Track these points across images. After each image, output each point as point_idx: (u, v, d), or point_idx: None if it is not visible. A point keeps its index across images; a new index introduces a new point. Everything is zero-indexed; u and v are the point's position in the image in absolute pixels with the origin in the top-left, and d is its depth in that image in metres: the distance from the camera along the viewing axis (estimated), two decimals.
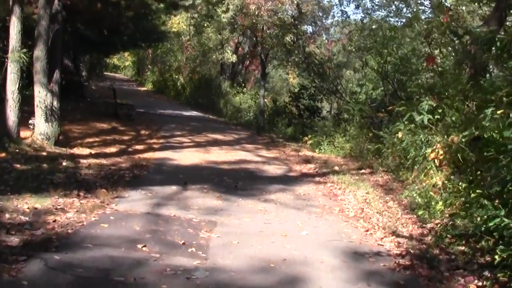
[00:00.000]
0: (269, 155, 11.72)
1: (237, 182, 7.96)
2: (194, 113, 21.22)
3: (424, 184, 7.98)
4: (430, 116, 7.21)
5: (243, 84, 28.77)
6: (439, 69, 9.26)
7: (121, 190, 6.57)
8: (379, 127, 13.95)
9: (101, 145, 10.09)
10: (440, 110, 7.45)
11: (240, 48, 28.25)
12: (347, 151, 12.37)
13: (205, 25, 26.21)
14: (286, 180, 8.76)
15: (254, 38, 20.29)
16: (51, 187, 6.18)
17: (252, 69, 31.96)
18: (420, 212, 6.40)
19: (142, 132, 12.95)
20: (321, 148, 13.09)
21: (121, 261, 4.06)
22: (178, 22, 29.07)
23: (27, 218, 4.88)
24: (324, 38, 23.18)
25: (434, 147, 7.42)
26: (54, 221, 4.92)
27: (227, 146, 12.33)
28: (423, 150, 7.50)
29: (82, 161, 8.15)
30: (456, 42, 8.93)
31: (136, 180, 7.35)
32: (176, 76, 29.96)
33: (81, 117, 13.88)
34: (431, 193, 7.35)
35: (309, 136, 14.34)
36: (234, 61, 26.41)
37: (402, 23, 13.80)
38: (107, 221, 5.15)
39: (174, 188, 7.05)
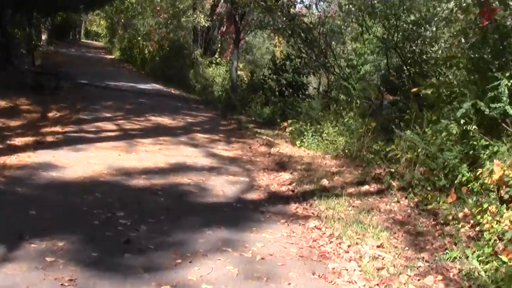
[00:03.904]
0: (227, 154, 7.98)
1: (137, 227, 4.20)
2: (153, 86, 17.37)
3: (479, 225, 4.53)
4: None
5: (218, 54, 24.90)
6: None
7: None
8: (378, 112, 10.75)
9: None
10: None
11: (216, 12, 24.25)
12: (340, 147, 8.70)
13: None
14: (237, 215, 4.98)
15: None
16: None
17: (231, 37, 28.03)
18: None
19: (51, 114, 9.10)
20: (304, 140, 9.41)
21: None
22: None
23: None
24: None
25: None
26: None
27: (169, 137, 8.55)
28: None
29: None
30: None
31: None
32: (144, 43, 25.93)
33: None
34: (503, 257, 3.91)
35: (290, 122, 10.60)
36: (207, 25, 22.48)
37: None
38: None
39: None
